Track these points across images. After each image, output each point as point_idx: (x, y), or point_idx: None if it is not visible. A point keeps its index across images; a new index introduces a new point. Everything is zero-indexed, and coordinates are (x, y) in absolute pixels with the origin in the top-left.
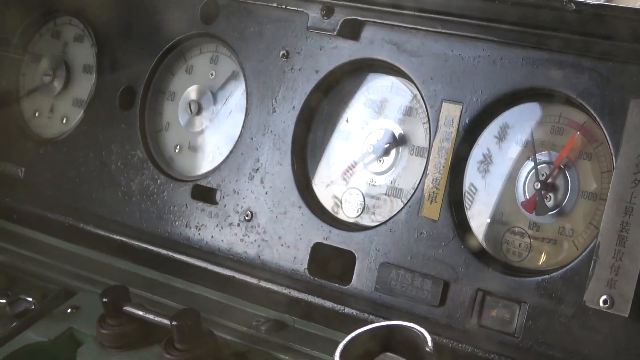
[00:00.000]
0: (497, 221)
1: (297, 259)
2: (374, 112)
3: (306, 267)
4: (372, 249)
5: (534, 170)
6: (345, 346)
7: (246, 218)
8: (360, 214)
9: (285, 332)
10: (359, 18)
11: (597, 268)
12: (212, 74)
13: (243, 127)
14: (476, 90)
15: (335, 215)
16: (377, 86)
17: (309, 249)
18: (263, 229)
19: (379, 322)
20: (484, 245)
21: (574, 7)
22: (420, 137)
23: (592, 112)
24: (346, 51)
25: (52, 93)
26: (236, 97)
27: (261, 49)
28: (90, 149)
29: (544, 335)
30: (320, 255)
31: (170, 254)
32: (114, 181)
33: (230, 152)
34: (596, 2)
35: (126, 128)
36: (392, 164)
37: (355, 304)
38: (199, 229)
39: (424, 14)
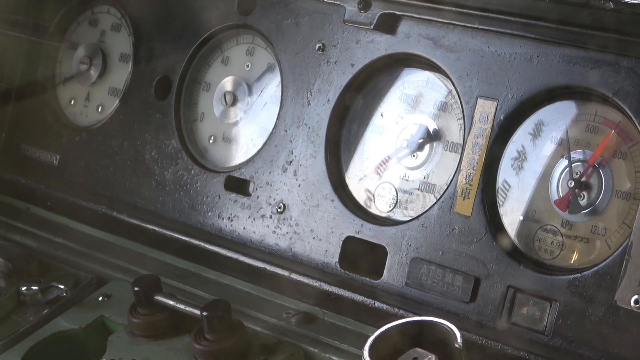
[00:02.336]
0: (529, 219)
1: (328, 252)
2: (408, 107)
3: (337, 260)
4: (403, 244)
5: (568, 168)
6: (374, 341)
7: (279, 210)
8: (392, 209)
9: (315, 325)
10: (396, 12)
11: (629, 268)
12: (247, 66)
13: (277, 119)
14: (512, 87)
15: (368, 209)
16: (413, 81)
17: (341, 242)
18: (295, 221)
19: (409, 317)
20: (516, 242)
21: (613, 6)
22: (454, 132)
23: (628, 111)
24: (382, 45)
25: (88, 81)
26: (271, 89)
27: (297, 42)
28: (125, 138)
29: (574, 333)
30: (352, 249)
31: (202, 244)
32: (148, 171)
33: (264, 144)
34: (635, 2)
35: (161, 118)
36: (425, 159)
37: (386, 298)
38: (232, 220)
39: (461, 10)
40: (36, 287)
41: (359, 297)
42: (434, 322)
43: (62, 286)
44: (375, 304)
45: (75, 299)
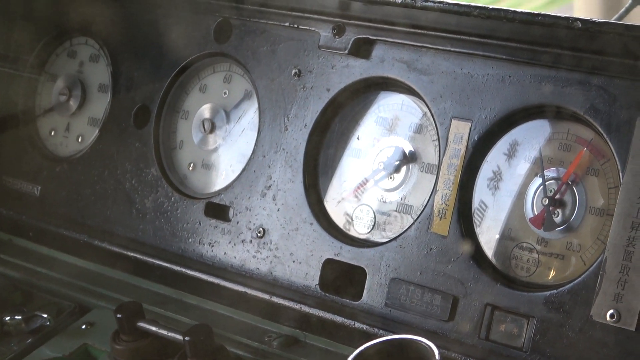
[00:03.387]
0: (505, 237)
1: (308, 275)
2: (384, 130)
3: (317, 282)
4: (382, 265)
5: (542, 186)
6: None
7: (258, 235)
8: (371, 230)
9: (297, 347)
10: (370, 37)
11: (604, 283)
12: (225, 93)
13: (255, 145)
14: (485, 108)
15: (347, 231)
16: (388, 104)
17: (320, 265)
18: (275, 245)
19: (389, 336)
20: (493, 260)
21: (581, 25)
22: (430, 154)
23: (599, 128)
24: (357, 70)
25: (67, 112)
26: (249, 115)
27: (274, 68)
28: (105, 167)
29: (552, 349)
30: (332, 271)
31: (184, 270)
32: (128, 199)
33: (243, 170)
34: (602, 20)
35: (141, 146)
36: (402, 181)
37: (366, 319)
38: (212, 246)
39: (433, 33)
40: (20, 317)
41: (339, 319)
42: (413, 340)
43: (45, 315)
44: (356, 325)
45: (59, 327)
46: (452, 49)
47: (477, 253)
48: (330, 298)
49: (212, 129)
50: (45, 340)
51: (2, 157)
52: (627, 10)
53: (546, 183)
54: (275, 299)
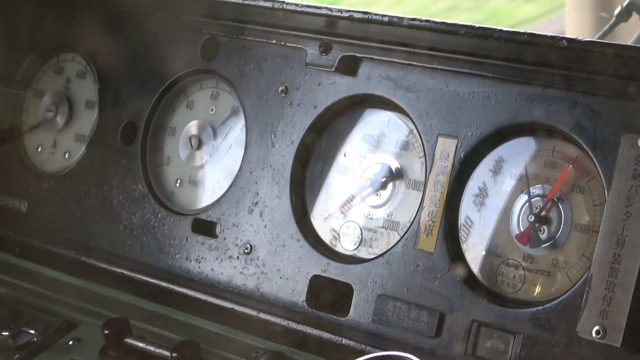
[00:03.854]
0: (492, 253)
1: (295, 291)
2: (371, 147)
3: (304, 299)
4: (369, 281)
5: (528, 203)
6: None
7: (245, 251)
8: (357, 247)
9: None
10: (357, 54)
11: (590, 299)
12: (212, 110)
13: (242, 161)
14: (471, 125)
15: (333, 248)
16: (375, 121)
17: (307, 281)
18: (262, 261)
19: (376, 352)
20: (479, 277)
21: (566, 44)
22: (416, 171)
23: (585, 146)
24: (344, 87)
25: (54, 128)
26: (236, 132)
27: (260, 85)
28: (92, 184)
29: None
30: (318, 287)
31: (171, 286)
32: (115, 215)
33: (230, 186)
34: (588, 40)
35: (128, 163)
36: (389, 198)
37: (353, 335)
38: (199, 262)
39: (420, 51)
40: (7, 333)
41: (326, 335)
42: (399, 356)
43: (32, 331)
44: (343, 341)
45: (46, 343)
46: (439, 67)
47: (464, 269)
48: (317, 314)
49: (199, 145)
50: (32, 357)
51: None
52: (611, 27)
53: (532, 200)
54: (262, 315)
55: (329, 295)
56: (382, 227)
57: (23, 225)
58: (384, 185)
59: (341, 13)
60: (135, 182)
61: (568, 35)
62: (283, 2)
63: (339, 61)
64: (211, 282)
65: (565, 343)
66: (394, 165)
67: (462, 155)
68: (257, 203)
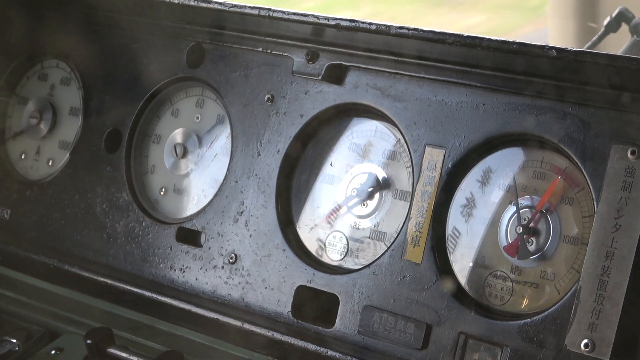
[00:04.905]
0: (479, 265)
1: (280, 301)
2: (358, 156)
3: (290, 309)
4: (355, 292)
5: (516, 214)
6: None
7: (230, 261)
8: (343, 257)
9: None
10: (344, 63)
11: (579, 312)
12: (197, 117)
13: (228, 170)
14: (459, 135)
15: (319, 258)
16: (362, 130)
17: (293, 291)
18: (247, 271)
19: None
20: (467, 288)
21: (555, 54)
22: (403, 181)
23: (574, 157)
24: (331, 96)
25: (38, 135)
26: (221, 140)
27: (246, 93)
28: (76, 192)
29: None
30: (304, 298)
31: (155, 296)
32: (99, 223)
33: (215, 195)
34: (577, 49)
35: (112, 171)
36: (375, 208)
37: (338, 346)
38: (184, 272)
39: (407, 60)
40: None
41: (311, 346)
42: None
43: (14, 340)
44: (328, 353)
45: (28, 352)
46: (426, 76)
47: (451, 281)
48: (302, 325)
49: (184, 153)
50: None
51: None
52: (600, 38)
53: (520, 211)
54: (247, 326)
55: (314, 306)
56: (369, 238)
57: (5, 232)
58: (370, 195)
59: (328, 21)
60: (119, 190)
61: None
62: (269, 10)
63: (326, 69)
64: (195, 291)
65: (553, 356)
66: (381, 175)
67: (449, 166)
68: (242, 212)
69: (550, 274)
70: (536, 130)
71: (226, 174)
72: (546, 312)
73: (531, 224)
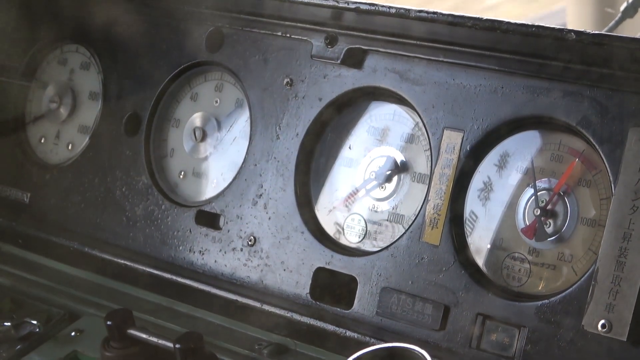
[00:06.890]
0: (497, 247)
1: (299, 283)
2: (376, 140)
3: (308, 291)
4: (373, 274)
5: (534, 197)
6: None
7: (249, 243)
8: (362, 240)
9: (287, 356)
10: (362, 47)
11: (596, 293)
12: (216, 102)
13: (247, 153)
14: (477, 118)
15: (338, 240)
16: (380, 114)
17: (311, 273)
18: (266, 253)
19: (380, 344)
20: (484, 270)
21: (575, 37)
22: (421, 164)
23: (592, 139)
24: (349, 79)
25: (58, 119)
26: (240, 124)
27: (265, 77)
28: (96, 175)
29: (543, 359)
30: (322, 279)
31: (174, 278)
32: (118, 207)
33: (234, 178)
34: (596, 32)
35: (131, 154)
36: (393, 191)
37: (357, 327)
38: (203, 254)
39: (426, 43)
40: (9, 324)
41: (330, 327)
42: (405, 348)
43: (35, 322)
44: (347, 334)
45: (48, 334)
46: (445, 60)
47: (469, 263)
48: (321, 307)
49: (203, 137)
50: (34, 347)
51: None
52: (617, 23)
53: (538, 194)
54: (265, 307)
55: (332, 287)
56: (387, 220)
57: (26, 216)
58: (388, 178)
59: (347, 5)
60: (138, 173)
61: None
62: None
63: (345, 53)
64: (214, 274)
65: (570, 337)
66: (399, 158)
67: (467, 149)
68: (261, 195)
69: (568, 255)
70: (554, 113)
71: (245, 157)
72: (564, 293)
73: (549, 206)
